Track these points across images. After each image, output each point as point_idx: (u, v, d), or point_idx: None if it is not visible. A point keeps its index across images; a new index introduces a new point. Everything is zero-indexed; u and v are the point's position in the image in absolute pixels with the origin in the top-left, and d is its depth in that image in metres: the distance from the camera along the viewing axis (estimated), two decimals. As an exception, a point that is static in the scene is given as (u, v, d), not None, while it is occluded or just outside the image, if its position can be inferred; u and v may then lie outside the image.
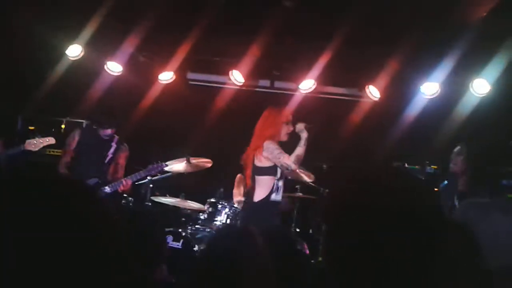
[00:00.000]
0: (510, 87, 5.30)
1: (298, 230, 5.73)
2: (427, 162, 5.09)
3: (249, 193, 4.55)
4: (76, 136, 5.03)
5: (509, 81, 5.24)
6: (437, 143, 5.70)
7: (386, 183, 1.04)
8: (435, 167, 5.15)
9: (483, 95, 5.42)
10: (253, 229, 1.98)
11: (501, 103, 5.40)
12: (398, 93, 5.94)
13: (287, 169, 4.45)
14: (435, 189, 4.72)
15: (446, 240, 1.03)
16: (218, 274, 1.79)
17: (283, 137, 4.50)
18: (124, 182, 4.86)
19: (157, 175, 5.24)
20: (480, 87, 5.38)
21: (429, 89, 5.62)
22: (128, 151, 5.16)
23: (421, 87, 5.64)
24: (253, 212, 4.45)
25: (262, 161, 4.43)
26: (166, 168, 5.09)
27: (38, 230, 0.83)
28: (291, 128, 4.50)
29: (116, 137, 5.08)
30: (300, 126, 4.48)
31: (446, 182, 4.83)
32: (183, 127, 6.40)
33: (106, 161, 5.03)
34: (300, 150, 4.43)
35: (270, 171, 4.44)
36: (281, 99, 6.43)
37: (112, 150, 5.04)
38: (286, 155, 4.37)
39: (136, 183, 5.08)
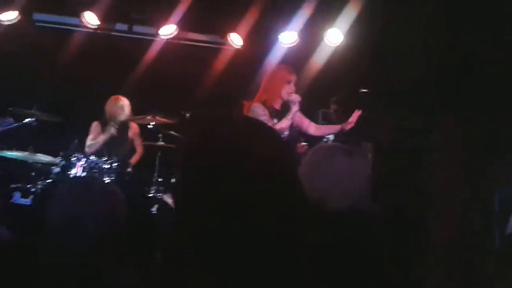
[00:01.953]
0: (361, 36, 5.60)
1: (160, 179, 5.66)
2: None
3: None
4: None
5: (360, 30, 5.53)
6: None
7: (233, 131, 1.03)
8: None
9: (337, 45, 5.68)
10: (96, 180, 1.87)
11: (353, 53, 5.71)
12: (259, 41, 5.99)
13: None
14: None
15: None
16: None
17: (284, 95, 4.16)
18: None
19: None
20: (334, 37, 5.62)
21: (287, 38, 5.74)
22: None
23: (279, 36, 5.74)
24: None
25: None
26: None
27: None
28: (293, 88, 4.17)
29: None
30: (293, 97, 4.14)
31: None
32: (30, 74, 5.83)
33: None
34: (285, 123, 4.07)
35: None
36: (140, 45, 6.15)
37: None
38: (271, 123, 4.04)
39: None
